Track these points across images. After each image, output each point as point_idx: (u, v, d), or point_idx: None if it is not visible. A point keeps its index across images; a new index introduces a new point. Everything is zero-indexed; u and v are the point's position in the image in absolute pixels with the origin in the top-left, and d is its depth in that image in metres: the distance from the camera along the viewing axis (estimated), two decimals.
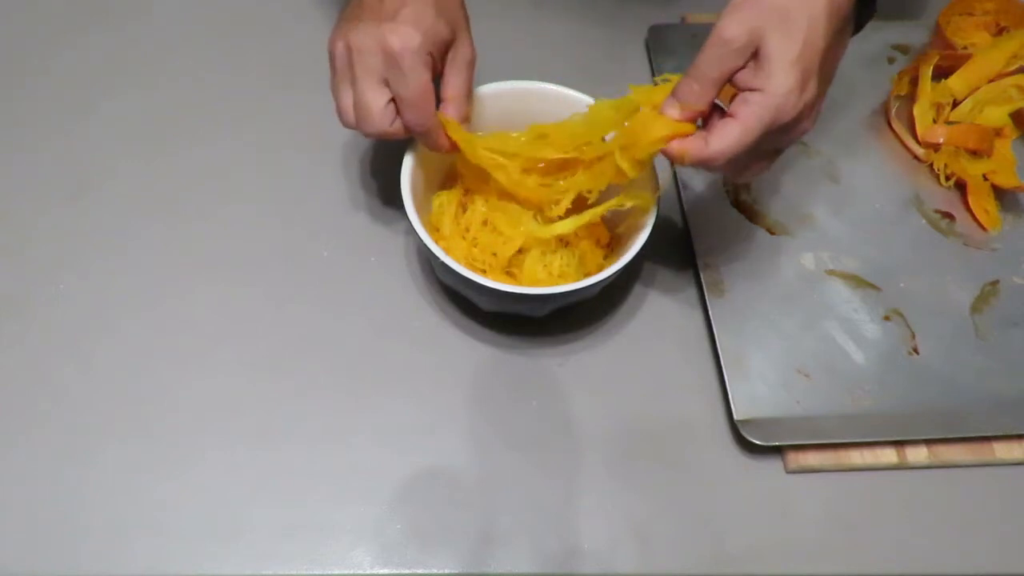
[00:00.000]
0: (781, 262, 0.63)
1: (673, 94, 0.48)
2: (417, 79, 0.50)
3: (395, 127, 0.52)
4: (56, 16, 0.72)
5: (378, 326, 0.59)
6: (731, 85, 0.47)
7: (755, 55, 0.46)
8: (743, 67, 0.46)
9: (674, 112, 0.48)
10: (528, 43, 0.72)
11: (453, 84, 0.53)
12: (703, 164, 0.47)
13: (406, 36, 0.49)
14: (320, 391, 0.57)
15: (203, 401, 0.56)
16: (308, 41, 0.71)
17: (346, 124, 0.53)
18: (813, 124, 0.48)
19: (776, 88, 0.45)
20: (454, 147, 0.54)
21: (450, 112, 0.53)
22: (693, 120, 0.48)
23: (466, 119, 0.54)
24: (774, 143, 0.48)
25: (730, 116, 0.46)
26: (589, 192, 0.54)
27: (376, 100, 0.51)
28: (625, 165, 0.50)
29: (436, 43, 0.51)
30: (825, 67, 0.47)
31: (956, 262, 0.64)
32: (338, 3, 0.73)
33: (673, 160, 0.48)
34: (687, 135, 0.47)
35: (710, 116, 0.48)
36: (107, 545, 0.51)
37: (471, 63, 0.54)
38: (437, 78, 0.53)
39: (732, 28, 0.45)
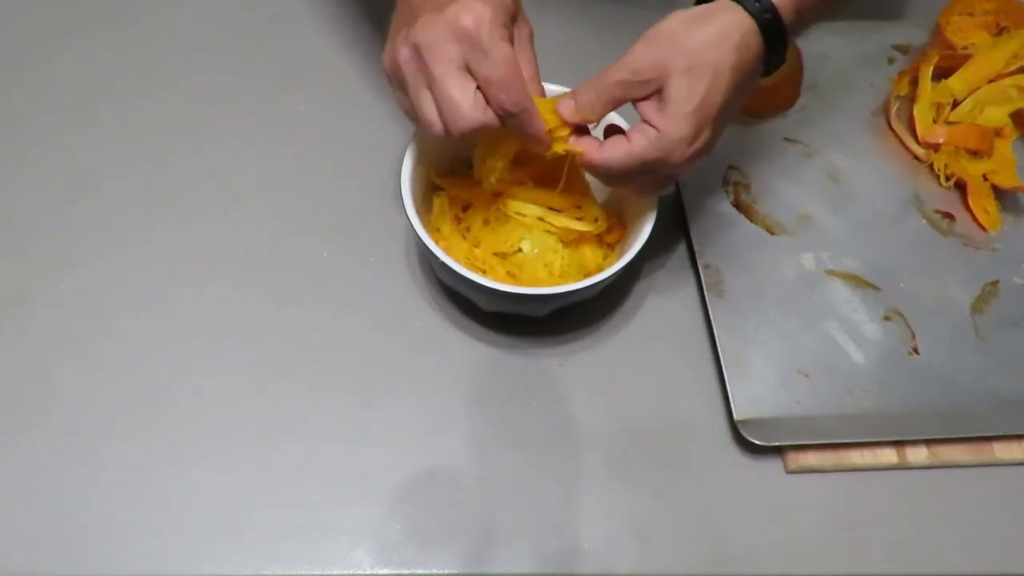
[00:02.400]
0: (781, 262, 0.63)
1: (573, 95, 0.50)
2: (502, 53, 0.46)
3: (488, 116, 0.47)
4: (56, 16, 0.72)
5: (378, 326, 0.59)
6: (634, 107, 0.49)
7: (658, 93, 0.48)
8: (646, 98, 0.48)
9: (567, 113, 0.50)
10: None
11: (527, 61, 0.49)
12: (587, 167, 0.51)
13: (478, 11, 0.45)
14: (320, 391, 0.57)
15: (203, 401, 0.56)
16: (308, 42, 0.72)
17: (436, 134, 0.48)
18: (699, 163, 0.50)
19: (671, 134, 0.47)
20: (549, 134, 0.50)
21: (535, 91, 0.49)
22: (580, 126, 0.50)
23: (542, 93, 0.50)
24: (660, 174, 0.51)
25: (626, 137, 0.49)
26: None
27: (463, 91, 0.46)
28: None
29: (507, 14, 0.47)
30: (721, 117, 0.49)
31: (956, 262, 0.64)
32: (336, 2, 0.74)
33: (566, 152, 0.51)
34: (566, 134, 0.50)
35: (609, 131, 0.52)
36: (107, 545, 0.51)
37: (532, 37, 0.50)
38: None
39: (642, 60, 0.48)
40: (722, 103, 0.48)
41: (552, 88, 0.53)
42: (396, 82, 0.49)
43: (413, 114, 0.49)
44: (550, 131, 0.50)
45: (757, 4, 0.48)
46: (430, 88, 0.47)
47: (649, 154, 0.48)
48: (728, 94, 0.48)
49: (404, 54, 0.47)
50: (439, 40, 0.46)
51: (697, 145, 0.48)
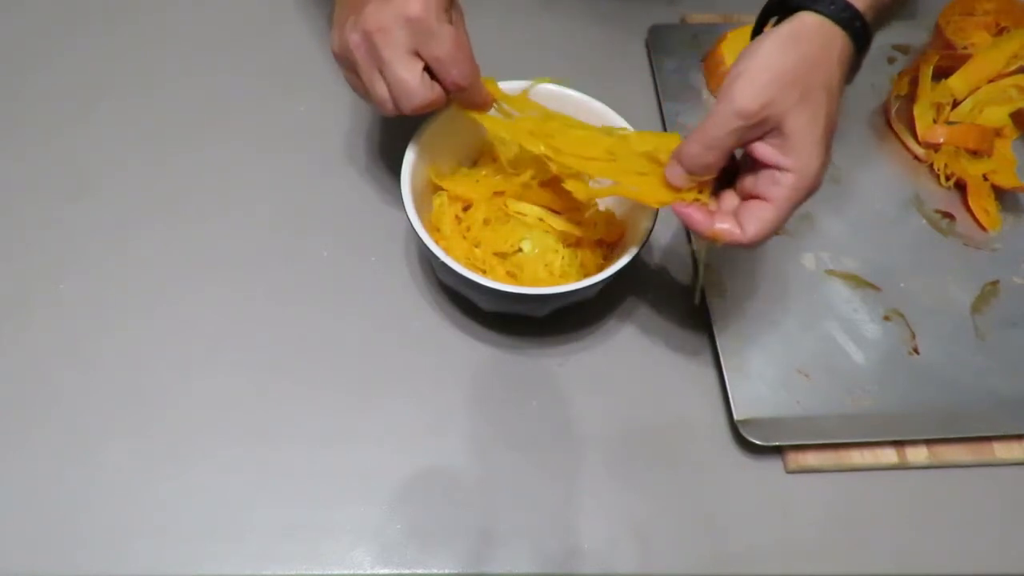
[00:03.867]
0: (781, 262, 0.63)
1: (679, 160, 0.48)
2: (448, 34, 0.49)
3: (436, 93, 0.50)
4: (57, 17, 0.72)
5: (378, 326, 0.59)
6: (746, 152, 0.47)
7: (777, 130, 0.45)
8: (759, 138, 0.46)
9: (679, 182, 0.48)
10: (528, 43, 0.72)
11: (464, 41, 0.52)
12: (738, 246, 0.47)
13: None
14: (320, 391, 0.57)
15: (203, 401, 0.56)
16: (308, 42, 0.72)
17: (388, 113, 0.51)
18: None
19: (807, 170, 0.45)
20: (488, 103, 0.53)
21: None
22: (700, 188, 0.48)
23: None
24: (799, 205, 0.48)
25: (762, 199, 0.46)
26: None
27: (412, 73, 0.49)
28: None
29: (444, 4, 0.49)
30: (834, 130, 0.47)
31: (956, 262, 0.64)
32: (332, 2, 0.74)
33: (701, 235, 0.48)
34: (691, 201, 0.48)
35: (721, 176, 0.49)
36: (107, 545, 0.51)
37: (463, 20, 0.53)
38: None
39: (749, 101, 0.45)
40: (836, 119, 0.47)
41: (512, 85, 0.55)
42: (347, 64, 0.52)
43: (364, 94, 0.52)
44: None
45: (845, 14, 0.46)
46: (381, 71, 0.50)
47: (794, 201, 0.46)
48: (839, 107, 0.47)
49: (354, 39, 0.50)
50: (388, 26, 0.48)
51: (828, 164, 0.47)
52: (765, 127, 0.45)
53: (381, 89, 0.50)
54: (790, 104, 0.45)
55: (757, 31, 0.51)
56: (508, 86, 0.58)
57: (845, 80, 0.48)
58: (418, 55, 0.49)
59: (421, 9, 0.48)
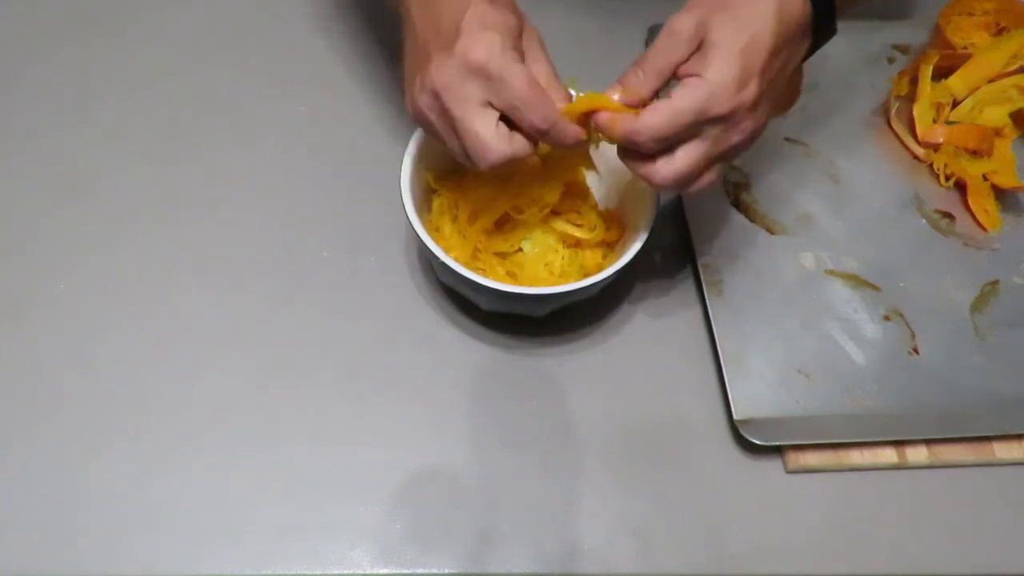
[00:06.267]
0: (781, 262, 0.63)
1: (619, 80, 0.48)
2: (519, 75, 0.45)
3: (516, 145, 0.47)
4: (56, 17, 0.72)
5: (378, 326, 0.59)
6: (675, 78, 0.47)
7: (700, 45, 0.46)
8: (687, 59, 0.46)
9: (616, 95, 0.47)
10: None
11: (543, 67, 0.48)
12: (630, 137, 0.46)
13: (484, 42, 0.45)
14: (320, 391, 0.57)
15: (203, 401, 0.56)
16: (309, 42, 0.72)
17: (479, 168, 0.48)
18: (752, 139, 0.48)
19: (713, 75, 0.45)
20: (584, 124, 0.48)
21: (558, 93, 0.48)
22: (633, 107, 0.47)
23: (569, 98, 0.49)
24: (712, 142, 0.47)
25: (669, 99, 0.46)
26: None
27: (484, 126, 0.46)
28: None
29: (513, 35, 0.47)
30: (768, 74, 0.46)
31: (956, 262, 0.64)
32: (337, 4, 0.74)
33: (602, 130, 0.47)
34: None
35: None
36: (107, 545, 0.51)
37: (543, 44, 0.49)
38: None
39: (681, 21, 0.46)
40: (767, 58, 0.46)
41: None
42: (425, 128, 0.49)
43: (452, 153, 0.49)
44: (586, 135, 0.48)
45: None
46: (455, 130, 0.47)
47: (692, 104, 0.44)
48: (774, 40, 0.46)
49: (425, 101, 0.47)
50: (454, 81, 0.45)
51: (745, 95, 0.45)
52: (692, 45, 0.46)
53: (458, 149, 0.47)
54: (716, 20, 0.45)
55: None
56: None
57: (789, 34, 0.47)
58: (492, 105, 0.46)
59: (484, 54, 0.45)
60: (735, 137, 0.47)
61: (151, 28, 0.72)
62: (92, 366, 0.57)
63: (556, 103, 0.47)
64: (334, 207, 0.64)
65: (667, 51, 0.46)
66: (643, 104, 0.47)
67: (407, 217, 0.54)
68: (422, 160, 0.56)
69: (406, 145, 0.56)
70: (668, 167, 0.47)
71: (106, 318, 0.58)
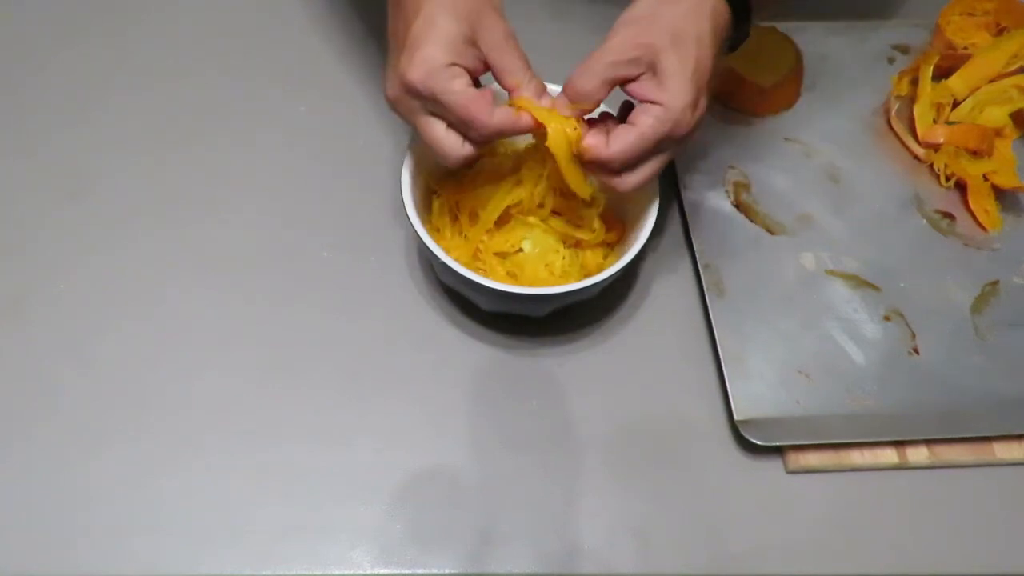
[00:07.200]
0: (781, 262, 0.63)
1: (565, 92, 0.51)
2: (454, 98, 0.48)
3: (466, 148, 0.50)
4: (57, 17, 0.73)
5: (378, 326, 0.59)
6: (626, 93, 0.50)
7: (651, 70, 0.49)
8: (635, 79, 0.49)
9: (566, 111, 0.51)
10: (525, 45, 0.71)
11: (502, 67, 0.50)
12: (601, 163, 0.50)
13: (421, 62, 0.47)
14: (320, 391, 0.57)
15: (203, 401, 0.56)
16: (309, 43, 0.72)
17: (448, 165, 0.52)
18: (699, 134, 0.52)
19: (674, 103, 0.48)
20: (539, 125, 0.51)
21: (522, 93, 0.51)
22: (579, 117, 0.51)
23: (542, 89, 0.51)
24: (670, 153, 0.52)
25: (630, 123, 0.49)
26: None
27: (435, 132, 0.50)
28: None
29: (458, 46, 0.48)
30: (709, 85, 0.50)
31: (956, 262, 0.64)
32: (336, 4, 0.74)
33: (576, 155, 0.51)
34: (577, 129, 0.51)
35: (603, 121, 0.52)
36: (107, 545, 0.51)
37: (508, 36, 0.51)
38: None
39: (627, 42, 0.49)
40: (710, 76, 0.50)
41: (553, 88, 0.53)
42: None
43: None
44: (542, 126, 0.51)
45: None
46: (419, 130, 0.51)
47: (659, 130, 0.49)
48: (712, 59, 0.50)
49: (389, 102, 0.51)
50: (399, 95, 0.50)
51: (699, 111, 0.50)
52: (639, 66, 0.49)
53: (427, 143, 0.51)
54: (662, 46, 0.48)
55: None
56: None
57: (720, 35, 0.51)
58: (436, 115, 0.50)
59: (418, 76, 0.47)
60: (683, 145, 0.52)
61: (151, 28, 0.72)
62: (92, 366, 0.57)
63: (492, 112, 0.49)
64: (334, 207, 0.64)
65: (615, 67, 0.49)
66: (585, 113, 0.51)
67: (408, 217, 0.54)
68: (422, 161, 0.56)
69: (406, 145, 0.56)
70: (633, 178, 0.51)
71: (106, 318, 0.58)
